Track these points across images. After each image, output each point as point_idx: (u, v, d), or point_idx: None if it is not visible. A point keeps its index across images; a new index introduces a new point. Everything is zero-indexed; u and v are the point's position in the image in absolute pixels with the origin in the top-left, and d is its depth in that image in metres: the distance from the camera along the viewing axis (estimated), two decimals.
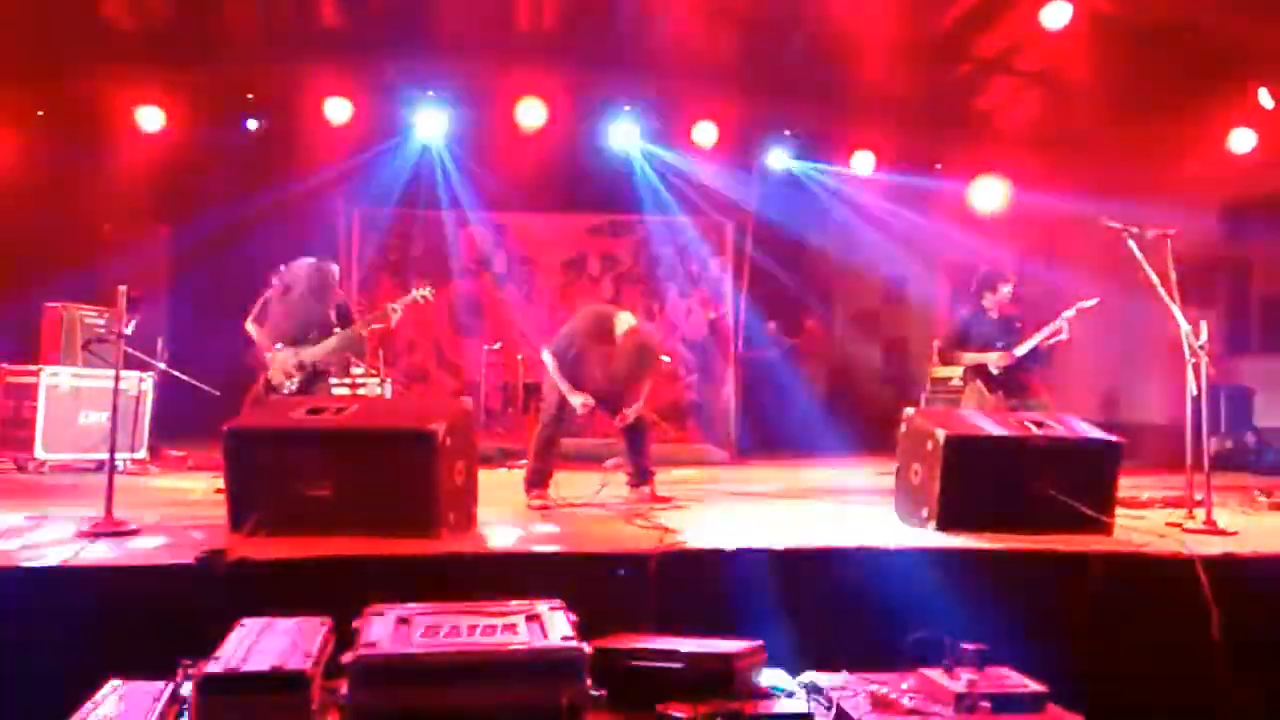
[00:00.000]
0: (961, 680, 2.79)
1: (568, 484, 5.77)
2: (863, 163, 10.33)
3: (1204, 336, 4.90)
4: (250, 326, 6.01)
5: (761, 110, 9.81)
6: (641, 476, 5.79)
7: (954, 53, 9.64)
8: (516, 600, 2.93)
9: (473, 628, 2.68)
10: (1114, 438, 4.75)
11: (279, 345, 5.88)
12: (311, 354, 5.91)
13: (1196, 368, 4.86)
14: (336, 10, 8.81)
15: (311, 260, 6.09)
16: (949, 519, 4.47)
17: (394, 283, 10.19)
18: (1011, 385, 6.58)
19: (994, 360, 6.50)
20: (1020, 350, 6.46)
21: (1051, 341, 6.46)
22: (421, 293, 6.12)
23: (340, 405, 4.80)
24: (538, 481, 5.54)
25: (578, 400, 5.53)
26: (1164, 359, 8.02)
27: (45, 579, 3.43)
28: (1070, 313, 6.36)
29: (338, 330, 5.96)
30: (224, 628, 2.79)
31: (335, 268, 6.28)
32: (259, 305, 6.04)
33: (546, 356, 5.68)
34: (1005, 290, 6.72)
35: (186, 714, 2.50)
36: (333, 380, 7.88)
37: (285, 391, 5.82)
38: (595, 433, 8.74)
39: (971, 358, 6.65)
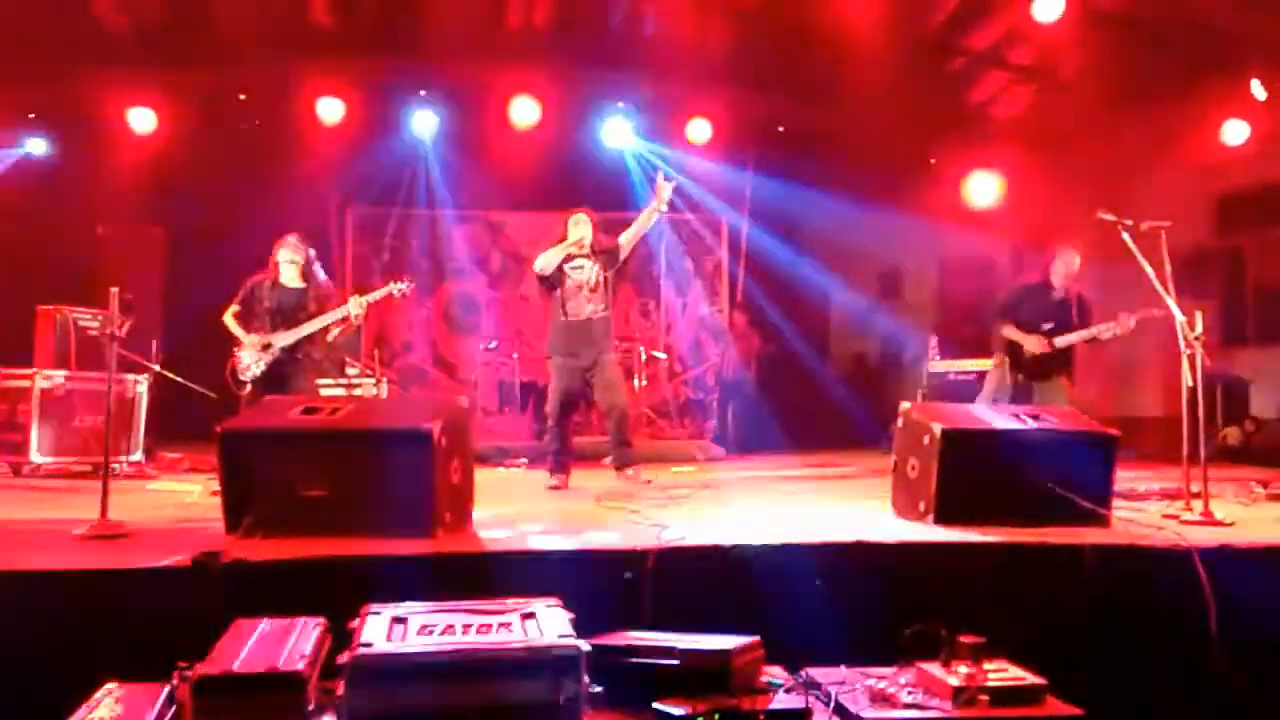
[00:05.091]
0: (960, 674, 2.78)
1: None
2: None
3: (1199, 328, 4.89)
4: (229, 319, 6.12)
5: (755, 106, 9.81)
6: (624, 460, 6.04)
7: (947, 47, 9.65)
8: (513, 598, 2.92)
9: (469, 626, 2.67)
10: (1110, 430, 4.74)
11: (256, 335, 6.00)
12: (282, 338, 6.00)
13: (1192, 359, 4.85)
14: (329, 10, 8.80)
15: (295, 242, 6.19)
16: (946, 513, 4.47)
17: (387, 283, 10.21)
18: (1037, 369, 6.51)
19: (1031, 344, 6.41)
20: (1061, 342, 6.38)
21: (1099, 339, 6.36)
22: (397, 286, 6.25)
23: (335, 405, 4.78)
24: (559, 468, 6.07)
25: None
26: (1160, 351, 8.02)
27: (41, 583, 3.42)
28: (1131, 321, 6.22)
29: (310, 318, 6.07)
30: (220, 629, 2.78)
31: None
32: (241, 296, 6.15)
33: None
34: (1075, 261, 6.50)
35: (182, 716, 2.49)
36: (328, 380, 7.92)
37: (249, 376, 5.95)
38: (594, 430, 8.76)
39: (1011, 334, 6.53)
